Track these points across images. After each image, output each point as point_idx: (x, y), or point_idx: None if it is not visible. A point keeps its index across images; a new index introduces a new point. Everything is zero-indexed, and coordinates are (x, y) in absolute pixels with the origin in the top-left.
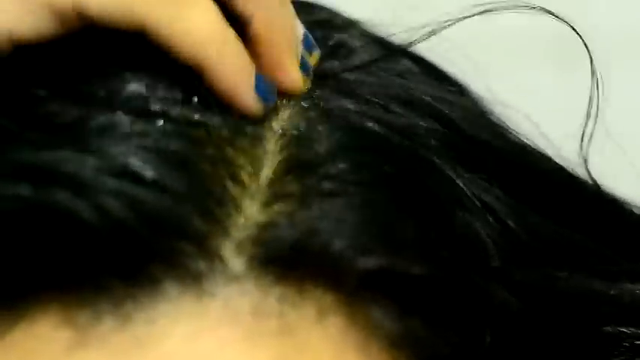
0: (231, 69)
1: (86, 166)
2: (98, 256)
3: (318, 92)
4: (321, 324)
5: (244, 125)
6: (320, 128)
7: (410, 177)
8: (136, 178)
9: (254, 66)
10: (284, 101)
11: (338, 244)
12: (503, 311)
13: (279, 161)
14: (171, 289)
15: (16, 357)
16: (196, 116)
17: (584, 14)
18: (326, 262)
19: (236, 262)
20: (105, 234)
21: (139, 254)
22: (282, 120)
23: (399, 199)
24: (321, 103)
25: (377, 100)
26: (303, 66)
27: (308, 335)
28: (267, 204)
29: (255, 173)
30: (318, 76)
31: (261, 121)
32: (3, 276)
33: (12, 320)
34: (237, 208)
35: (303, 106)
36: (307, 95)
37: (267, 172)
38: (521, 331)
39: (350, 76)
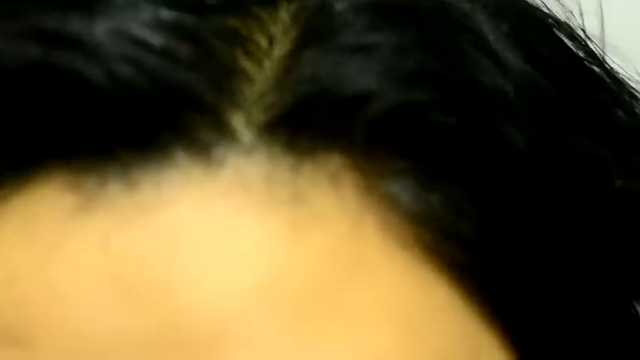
0: None
1: (97, 30)
2: (108, 120)
3: None
4: (335, 193)
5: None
6: None
7: (432, 27)
8: (146, 45)
9: None
10: None
11: (344, 93)
12: (523, 173)
13: (293, 31)
14: (180, 156)
15: (20, 220)
16: None
17: None
18: (334, 111)
19: (246, 133)
20: (115, 98)
21: (148, 121)
22: None
23: (412, 44)
24: None
25: None
26: None
27: (322, 203)
28: (277, 75)
29: (268, 45)
30: None
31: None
32: (9, 138)
33: (17, 184)
34: (249, 80)
35: None
36: None
37: (280, 43)
38: (539, 212)
39: None
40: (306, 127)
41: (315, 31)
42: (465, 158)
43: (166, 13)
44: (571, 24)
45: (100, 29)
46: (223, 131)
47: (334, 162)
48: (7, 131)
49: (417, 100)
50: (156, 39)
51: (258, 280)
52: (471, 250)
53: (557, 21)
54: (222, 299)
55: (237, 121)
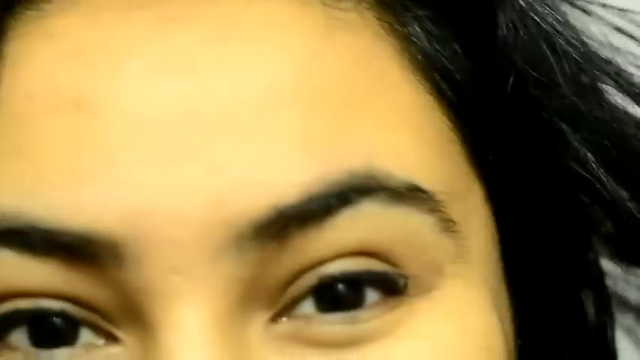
0: None
1: None
2: None
3: None
4: (359, 10)
5: None
6: None
7: None
8: None
9: None
10: None
11: None
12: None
13: None
14: None
15: (86, 8)
16: None
17: None
18: None
19: None
20: None
21: None
22: None
23: None
24: None
25: None
26: None
27: (350, 16)
28: None
29: None
30: None
31: None
32: None
33: None
34: None
35: None
36: None
37: None
38: None
39: None
40: None
41: None
42: (468, 8)
43: None
44: None
45: None
46: None
47: None
48: None
49: None
50: None
51: (292, 69)
52: (463, 95)
53: None
54: (259, 84)
55: None
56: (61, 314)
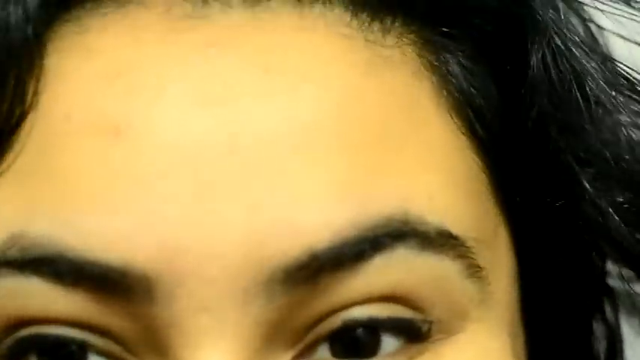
0: None
1: None
2: None
3: None
4: (400, 47)
5: None
6: None
7: None
8: None
9: None
10: None
11: None
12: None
13: None
14: None
15: (129, 25)
16: None
17: None
18: None
19: None
20: None
21: None
22: None
23: None
24: None
25: None
26: None
27: (390, 53)
28: None
29: None
30: None
31: None
32: None
33: None
34: None
35: None
36: None
37: None
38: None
39: None
40: None
41: None
42: (500, 50)
43: None
44: None
45: None
46: None
47: (399, 25)
48: None
49: None
50: None
51: (336, 104)
52: (493, 134)
53: None
54: (304, 115)
55: None
56: (82, 344)
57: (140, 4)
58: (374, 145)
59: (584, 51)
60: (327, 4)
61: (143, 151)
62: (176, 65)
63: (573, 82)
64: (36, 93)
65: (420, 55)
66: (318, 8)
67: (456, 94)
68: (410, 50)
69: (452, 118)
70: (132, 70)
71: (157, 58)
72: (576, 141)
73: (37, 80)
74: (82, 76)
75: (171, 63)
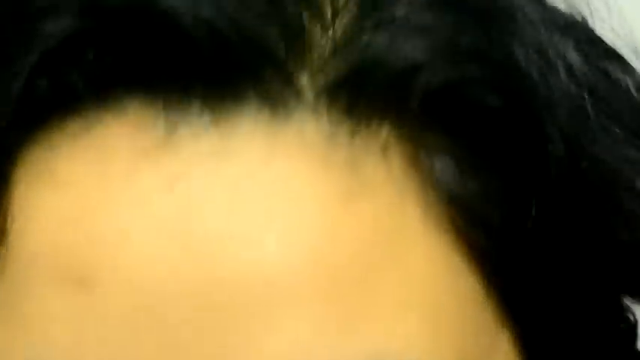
0: None
1: None
2: (187, 60)
3: None
4: (385, 163)
5: None
6: None
7: (488, 10)
8: None
9: None
10: None
11: (400, 63)
12: (555, 172)
13: (356, 3)
14: (250, 106)
15: (94, 155)
16: None
17: None
18: (389, 84)
19: (310, 93)
20: (197, 39)
21: (226, 66)
22: None
23: (473, 24)
24: None
25: None
26: None
27: (373, 172)
28: (339, 42)
29: (332, 13)
30: None
31: None
32: (91, 69)
33: (95, 116)
34: (315, 42)
35: None
36: None
37: (343, 12)
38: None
39: None
40: (363, 94)
41: (375, 4)
42: (505, 146)
43: None
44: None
45: None
46: (291, 88)
47: (386, 131)
48: (96, 57)
49: (469, 77)
50: None
51: (308, 247)
52: (495, 238)
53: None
54: (271, 262)
55: (304, 80)
56: None
57: (107, 126)
58: (348, 293)
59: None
60: (307, 114)
61: (107, 303)
62: (141, 206)
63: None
64: (3, 231)
65: (408, 165)
66: (294, 125)
67: (449, 203)
68: (397, 161)
69: (442, 233)
70: (97, 211)
71: (121, 199)
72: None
73: (5, 218)
74: (49, 215)
75: (136, 203)
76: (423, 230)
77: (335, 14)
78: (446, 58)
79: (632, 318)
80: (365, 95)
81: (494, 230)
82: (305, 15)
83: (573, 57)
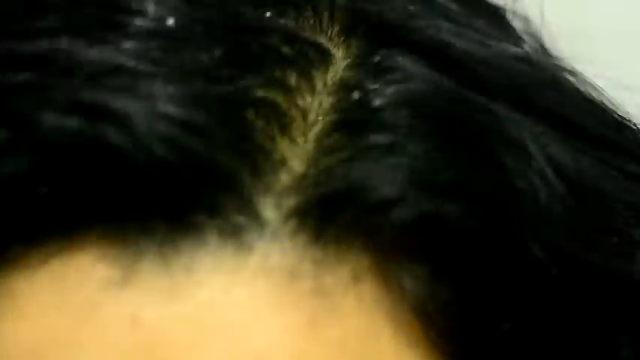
0: None
1: (136, 107)
2: (144, 195)
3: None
4: (355, 288)
5: (296, 79)
6: (372, 85)
7: (468, 135)
8: (184, 124)
9: None
10: (338, 53)
11: (374, 196)
12: (538, 288)
13: (329, 117)
14: (211, 238)
15: (54, 286)
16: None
17: None
18: (361, 212)
19: (275, 219)
20: (152, 174)
21: (183, 199)
22: (336, 73)
23: (446, 151)
24: (376, 58)
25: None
26: None
27: (342, 298)
28: (311, 160)
29: (305, 128)
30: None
31: (313, 75)
32: (48, 205)
33: (56, 249)
34: (283, 163)
35: (357, 60)
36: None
37: (316, 127)
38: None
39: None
40: (333, 222)
41: (351, 124)
42: (480, 260)
43: (202, 87)
44: None
45: (140, 106)
46: (254, 215)
47: (356, 258)
48: (52, 194)
49: (445, 212)
50: (196, 119)
51: None
52: (469, 347)
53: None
54: None
55: (268, 206)
56: None
57: (68, 257)
58: None
59: None
60: (271, 242)
61: None
62: (103, 339)
63: None
64: None
65: (379, 287)
66: (257, 253)
67: (421, 315)
68: (367, 285)
69: (414, 348)
70: (58, 344)
71: (83, 332)
72: None
73: None
74: (9, 345)
75: (98, 337)
76: (394, 350)
77: (304, 122)
78: (423, 192)
79: None
80: (334, 224)
81: (467, 339)
82: (274, 128)
83: (561, 156)
